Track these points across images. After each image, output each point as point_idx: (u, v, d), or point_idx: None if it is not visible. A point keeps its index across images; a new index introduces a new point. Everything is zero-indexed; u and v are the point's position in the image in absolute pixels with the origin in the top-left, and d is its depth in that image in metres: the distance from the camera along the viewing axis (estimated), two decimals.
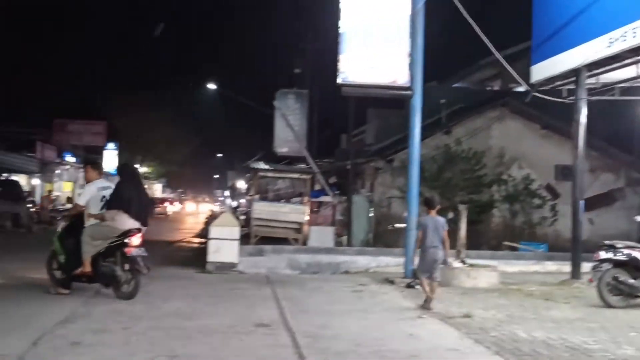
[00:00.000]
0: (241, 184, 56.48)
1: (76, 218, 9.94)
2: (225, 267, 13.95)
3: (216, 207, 63.28)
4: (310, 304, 9.65)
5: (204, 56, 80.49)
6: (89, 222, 9.70)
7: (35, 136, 41.12)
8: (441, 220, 9.81)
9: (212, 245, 14.22)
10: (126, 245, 9.40)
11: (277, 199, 21.73)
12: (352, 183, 22.47)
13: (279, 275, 13.75)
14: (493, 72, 27.78)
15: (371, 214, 21.75)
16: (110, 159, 60.83)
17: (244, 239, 17.31)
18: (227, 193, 76.33)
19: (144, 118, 57.92)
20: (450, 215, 18.23)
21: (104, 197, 9.71)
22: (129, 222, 9.52)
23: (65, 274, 9.71)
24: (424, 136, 15.11)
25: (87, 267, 9.49)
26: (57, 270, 9.84)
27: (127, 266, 9.42)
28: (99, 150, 57.13)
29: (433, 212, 9.85)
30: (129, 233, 9.46)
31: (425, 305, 9.33)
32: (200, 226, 29.29)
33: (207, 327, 7.55)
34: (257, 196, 21.88)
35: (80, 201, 9.88)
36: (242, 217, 25.50)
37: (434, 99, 22.51)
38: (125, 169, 10.36)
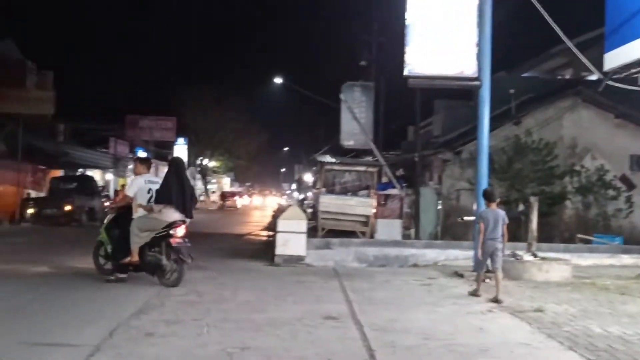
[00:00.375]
0: (308, 177, 56.76)
1: (123, 210, 10.54)
2: (293, 260, 14.05)
3: (283, 201, 63.91)
4: (378, 297, 9.63)
5: (270, 51, 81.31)
6: (137, 213, 10.24)
7: (108, 132, 42.33)
8: (501, 213, 9.85)
9: (280, 239, 14.34)
10: (171, 236, 9.92)
11: (344, 192, 21.74)
12: (420, 175, 22.31)
13: (346, 268, 13.77)
14: (564, 60, 27.11)
15: (439, 207, 21.55)
16: (180, 153, 62.28)
17: (311, 232, 17.39)
18: (294, 186, 76.90)
19: (213, 113, 58.89)
20: (521, 207, 17.97)
21: (150, 190, 10.30)
22: (175, 215, 10.01)
23: (114, 262, 10.32)
24: (493, 127, 14.87)
25: (135, 257, 10.04)
26: (104, 258, 10.58)
27: (172, 256, 9.94)
28: (169, 145, 58.44)
29: (493, 205, 9.92)
30: (174, 224, 9.96)
31: (475, 293, 9.68)
32: (268, 219, 29.59)
33: (276, 319, 7.62)
34: (323, 189, 21.94)
35: (129, 192, 10.39)
36: (309, 210, 25.64)
37: (503, 89, 22.14)
38: (172, 164, 10.71)
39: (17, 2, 46.25)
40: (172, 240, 9.92)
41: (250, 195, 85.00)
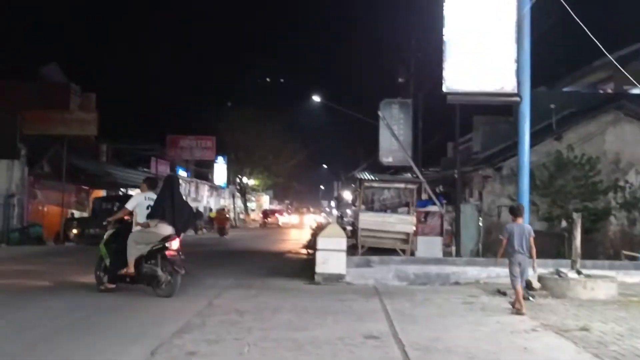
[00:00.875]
0: (347, 195, 56.70)
1: (121, 225, 11.30)
2: (333, 279, 14.01)
3: (323, 218, 63.85)
4: (420, 316, 9.54)
5: (309, 69, 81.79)
6: (136, 228, 10.99)
7: (149, 152, 42.94)
8: (527, 227, 10.31)
9: (319, 257, 14.31)
10: (167, 249, 10.70)
11: (384, 209, 21.65)
12: (460, 192, 22.11)
13: (387, 286, 13.67)
14: (605, 74, 26.72)
15: (480, 223, 21.32)
16: (219, 172, 62.85)
17: (351, 249, 17.33)
18: (333, 204, 76.84)
19: (252, 132, 59.33)
20: (564, 224, 17.67)
21: (149, 206, 10.97)
22: (168, 229, 10.79)
23: (109, 273, 11.04)
24: (534, 143, 14.72)
25: (131, 268, 10.76)
26: (103, 272, 11.19)
27: (167, 268, 10.67)
28: (208, 164, 59.06)
29: (519, 220, 10.39)
30: (169, 238, 10.75)
31: (519, 312, 9.63)
32: (307, 237, 29.62)
33: (317, 338, 7.60)
34: (363, 206, 21.87)
35: (128, 206, 11.19)
36: (349, 228, 25.58)
37: (543, 105, 21.88)
38: (166, 181, 11.42)
39: (61, 25, 47.37)
40: (167, 253, 10.66)
41: (290, 213, 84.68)
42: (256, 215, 71.30)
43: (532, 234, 10.13)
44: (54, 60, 34.41)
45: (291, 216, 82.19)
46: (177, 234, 10.88)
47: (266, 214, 66.76)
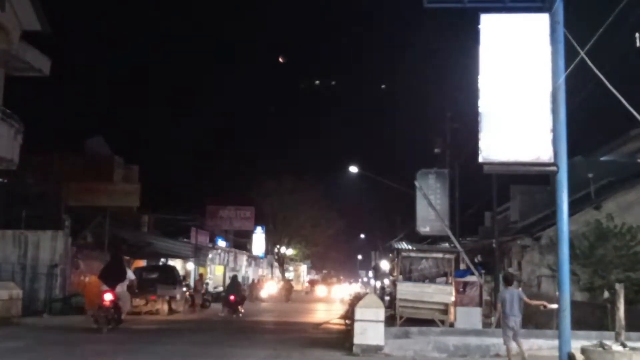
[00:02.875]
0: (384, 265, 56.20)
1: None
2: (371, 350, 13.75)
3: (360, 288, 63.26)
4: None
5: (346, 140, 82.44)
6: None
7: (189, 222, 43.27)
8: (517, 292, 12.31)
9: (357, 327, 14.11)
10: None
11: (421, 279, 21.41)
12: (499, 262, 21.78)
13: (426, 358, 13.37)
14: None
15: None
16: (258, 242, 62.95)
17: (389, 320, 17.06)
18: (370, 274, 76.13)
19: (290, 202, 59.67)
20: (606, 294, 17.20)
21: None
22: (103, 286, 17.97)
23: None
24: (573, 212, 14.50)
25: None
26: None
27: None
28: (247, 234, 59.21)
29: (510, 287, 12.42)
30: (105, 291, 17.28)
31: None
32: (345, 307, 29.27)
33: None
34: (400, 276, 21.65)
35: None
36: (387, 298, 25.26)
37: (581, 174, 21.69)
38: (111, 255, 18.67)
39: (106, 96, 48.82)
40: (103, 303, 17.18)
41: (328, 283, 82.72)
42: (300, 285, 72.44)
43: (523, 296, 12.15)
44: (100, 133, 35.26)
45: (330, 286, 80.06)
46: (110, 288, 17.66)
47: (313, 283, 68.13)
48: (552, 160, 12.65)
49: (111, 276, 18.41)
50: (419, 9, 13.23)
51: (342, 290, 58.17)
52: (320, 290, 64.78)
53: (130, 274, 20.85)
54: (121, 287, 18.75)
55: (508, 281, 12.67)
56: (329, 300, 50.48)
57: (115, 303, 17.75)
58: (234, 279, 29.65)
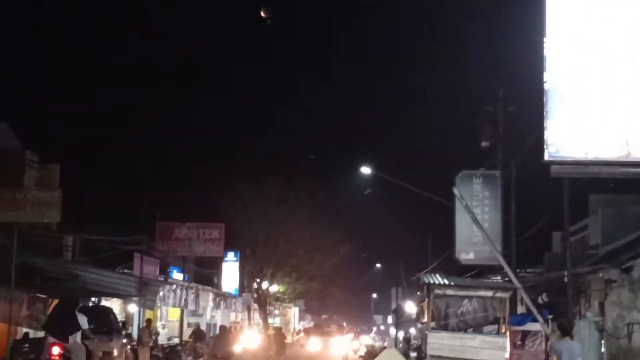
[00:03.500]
0: (410, 307, 56.26)
1: None
2: None
3: (374, 339, 63.14)
4: None
5: (356, 128, 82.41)
6: None
7: (133, 246, 43.13)
8: (577, 346, 13.29)
9: None
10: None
11: (463, 327, 21.42)
12: (572, 303, 21.82)
13: None
14: None
15: (603, 349, 20.95)
16: (229, 274, 62.78)
17: None
18: (390, 319, 76.19)
19: (276, 217, 59.50)
20: None
21: None
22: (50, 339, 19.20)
23: None
24: None
25: None
26: None
27: None
28: (215, 264, 59.06)
29: (568, 338, 12.99)
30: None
31: None
32: None
33: None
34: (433, 323, 21.68)
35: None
36: (413, 355, 25.32)
37: None
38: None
39: (15, 75, 48.84)
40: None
41: (325, 334, 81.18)
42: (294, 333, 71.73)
43: (581, 353, 13.16)
44: (3, 119, 35.19)
45: (328, 337, 78.15)
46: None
47: (308, 331, 66.61)
48: None
49: (61, 326, 19.62)
50: None
51: (345, 344, 54.98)
52: (313, 343, 57.54)
53: (84, 322, 21.13)
54: (74, 339, 19.79)
55: (566, 331, 13.30)
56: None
57: (66, 358, 19.22)
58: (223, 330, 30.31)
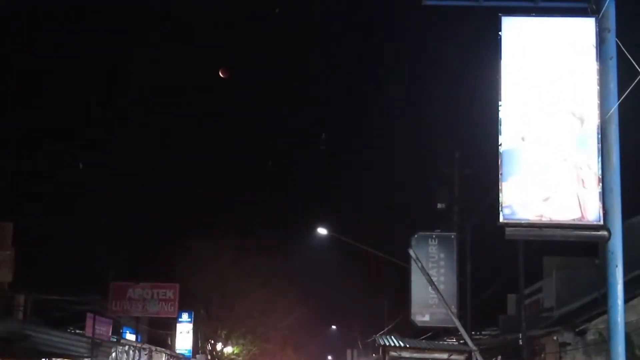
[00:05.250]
0: None
1: None
2: None
3: None
4: None
5: (311, 189, 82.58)
6: None
7: (85, 307, 42.62)
8: None
9: None
10: None
11: None
12: None
13: None
14: None
15: None
16: (183, 335, 62.19)
17: None
18: None
19: (230, 277, 59.17)
20: None
21: None
22: None
23: None
24: (631, 295, 14.63)
25: None
26: None
27: None
28: (169, 324, 58.48)
29: None
30: None
31: None
32: None
33: None
34: None
35: None
36: None
37: None
38: None
39: None
40: None
41: None
42: None
43: None
44: None
45: None
46: None
47: None
48: (600, 222, 12.80)
49: None
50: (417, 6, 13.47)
51: None
52: None
53: None
54: None
55: None
56: None
57: None
58: None
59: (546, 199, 13.00)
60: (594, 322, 21.07)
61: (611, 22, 12.95)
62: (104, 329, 43.74)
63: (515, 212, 12.99)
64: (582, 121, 13.07)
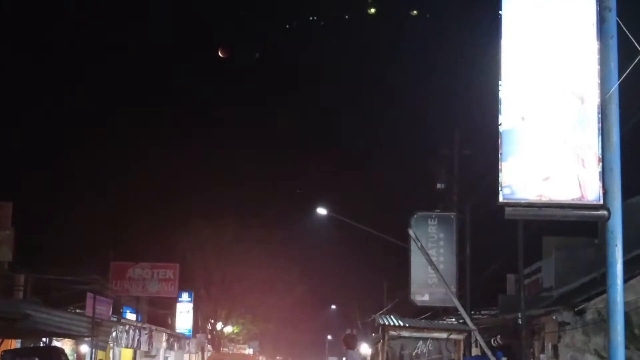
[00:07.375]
0: (364, 349, 56.00)
1: None
2: None
3: None
4: None
5: (312, 168, 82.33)
6: None
7: (85, 286, 42.65)
8: None
9: None
10: None
11: None
12: (526, 345, 21.84)
13: None
14: None
15: None
16: (183, 315, 62.30)
17: None
18: None
19: (230, 258, 59.24)
20: None
21: None
22: None
23: None
24: (630, 275, 14.62)
25: None
26: None
27: None
28: (169, 304, 58.57)
29: None
30: None
31: None
32: None
33: None
34: None
35: None
36: None
37: None
38: None
39: None
40: None
41: None
42: None
43: None
44: None
45: None
46: None
47: None
48: (600, 201, 12.75)
49: None
50: None
51: None
52: None
53: None
54: None
55: None
56: None
57: None
58: None
59: (546, 179, 12.95)
60: (593, 302, 21.05)
61: (612, 1, 12.88)
62: (104, 309, 43.75)
63: (515, 191, 12.94)
64: (582, 100, 13.01)
